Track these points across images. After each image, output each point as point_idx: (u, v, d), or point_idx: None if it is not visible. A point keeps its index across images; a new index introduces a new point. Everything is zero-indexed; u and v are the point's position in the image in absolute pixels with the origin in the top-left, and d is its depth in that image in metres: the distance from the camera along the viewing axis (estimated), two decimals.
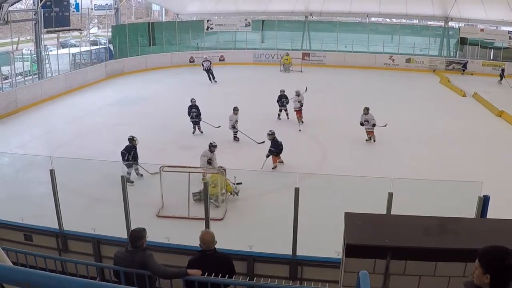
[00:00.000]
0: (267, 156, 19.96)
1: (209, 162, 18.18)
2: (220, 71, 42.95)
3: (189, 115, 24.76)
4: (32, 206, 15.39)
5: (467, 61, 44.49)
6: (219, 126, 24.27)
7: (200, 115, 24.91)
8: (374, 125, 23.35)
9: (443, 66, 45.60)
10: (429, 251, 4.89)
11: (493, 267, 3.81)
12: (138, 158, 18.81)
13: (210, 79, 39.27)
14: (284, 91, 28.13)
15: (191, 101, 25.08)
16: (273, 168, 19.85)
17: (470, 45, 46.01)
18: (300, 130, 25.30)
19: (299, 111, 26.62)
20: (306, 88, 28.46)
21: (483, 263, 3.85)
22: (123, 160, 18.15)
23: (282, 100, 27.96)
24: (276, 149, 20.04)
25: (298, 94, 26.89)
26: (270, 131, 20.44)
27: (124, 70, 43.27)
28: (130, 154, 18.36)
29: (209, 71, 39.45)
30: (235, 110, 23.77)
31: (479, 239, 4.80)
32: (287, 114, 27.72)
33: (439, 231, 5.36)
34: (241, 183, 17.17)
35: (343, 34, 48.95)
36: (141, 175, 18.99)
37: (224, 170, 16.42)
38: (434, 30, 49.42)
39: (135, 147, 18.76)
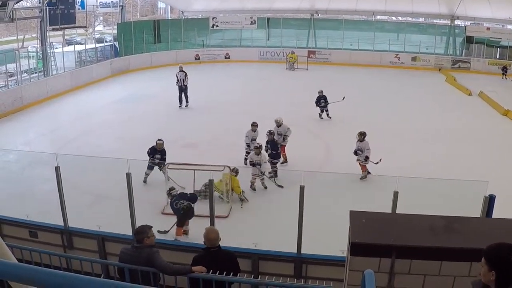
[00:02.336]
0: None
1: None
2: (225, 69, 43.01)
3: (266, 151, 19.01)
4: (37, 203, 15.42)
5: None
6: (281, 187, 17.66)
7: (278, 158, 19.21)
8: (367, 158, 18.80)
9: (449, 65, 45.47)
10: (434, 251, 4.88)
11: (499, 264, 3.81)
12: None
13: (180, 101, 30.28)
14: (322, 92, 26.86)
15: (270, 132, 19.46)
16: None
17: (476, 43, 45.86)
18: (279, 185, 17.97)
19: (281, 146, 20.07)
20: (344, 97, 26.68)
21: (488, 260, 3.86)
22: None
23: (321, 101, 26.71)
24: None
25: (278, 124, 20.38)
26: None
27: (130, 68, 43.36)
28: (153, 156, 18.08)
29: (183, 88, 30.43)
30: (253, 125, 20.02)
31: (484, 238, 4.79)
32: (327, 114, 26.83)
33: (445, 230, 5.35)
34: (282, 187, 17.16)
35: (348, 32, 48.89)
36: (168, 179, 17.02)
37: (229, 168, 16.39)
38: (440, 29, 49.23)
39: (158, 150, 18.08)
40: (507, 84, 38.89)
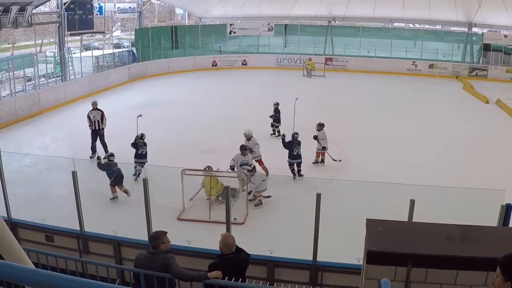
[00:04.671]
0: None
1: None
2: (242, 75, 43.05)
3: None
4: (54, 207, 15.52)
5: None
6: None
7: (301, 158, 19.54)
8: (324, 148, 20.74)
9: (466, 72, 45.25)
10: (450, 259, 4.87)
11: None
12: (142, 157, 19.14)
13: (93, 150, 22.09)
14: (278, 104, 25.22)
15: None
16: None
17: (494, 51, 45.53)
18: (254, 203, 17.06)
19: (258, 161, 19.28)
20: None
21: (504, 271, 3.82)
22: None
23: (276, 114, 25.17)
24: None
25: (248, 137, 19.54)
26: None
27: (147, 73, 43.47)
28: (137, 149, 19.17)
29: (98, 133, 22.40)
30: (243, 150, 17.79)
31: (501, 248, 4.77)
32: (275, 131, 25.06)
33: (461, 239, 5.34)
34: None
35: (366, 39, 48.78)
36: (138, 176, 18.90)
37: (246, 175, 16.38)
38: (457, 36, 49.05)
39: (136, 144, 19.21)
40: None
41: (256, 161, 18.89)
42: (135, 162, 19.01)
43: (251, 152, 18.67)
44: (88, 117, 22.21)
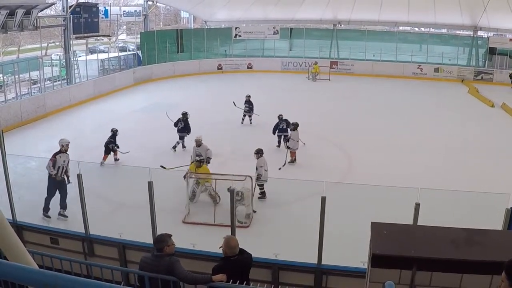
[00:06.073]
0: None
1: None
2: (247, 79, 43.03)
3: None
4: (59, 210, 15.50)
5: None
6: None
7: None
8: (288, 147, 21.22)
9: (471, 76, 45.23)
10: (455, 263, 4.85)
11: None
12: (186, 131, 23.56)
13: (47, 207, 15.73)
14: (249, 97, 28.65)
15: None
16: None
17: (499, 55, 45.44)
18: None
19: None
20: (234, 102, 28.55)
21: (510, 275, 3.81)
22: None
23: (245, 105, 28.46)
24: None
25: (198, 143, 19.50)
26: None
27: (152, 77, 43.61)
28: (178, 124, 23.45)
29: (62, 182, 15.96)
30: (259, 153, 17.73)
31: (505, 251, 4.76)
32: (250, 120, 28.62)
33: (466, 242, 5.32)
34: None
35: (371, 42, 48.85)
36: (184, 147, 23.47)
37: (251, 178, 16.34)
38: (462, 40, 49.01)
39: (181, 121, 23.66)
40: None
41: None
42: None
43: (208, 159, 19.08)
44: (54, 161, 16.09)
